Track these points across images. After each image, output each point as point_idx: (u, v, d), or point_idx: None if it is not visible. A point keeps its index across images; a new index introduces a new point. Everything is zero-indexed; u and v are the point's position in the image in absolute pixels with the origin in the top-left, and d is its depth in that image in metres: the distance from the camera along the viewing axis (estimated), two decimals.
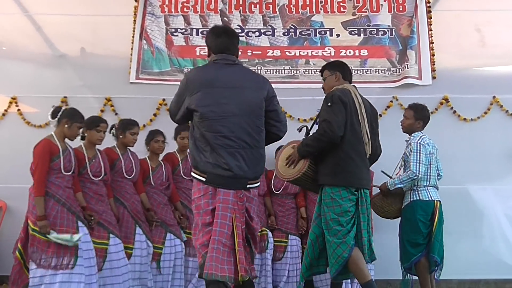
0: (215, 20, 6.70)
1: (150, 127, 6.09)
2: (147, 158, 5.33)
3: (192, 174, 3.58)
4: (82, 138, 4.76)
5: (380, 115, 6.28)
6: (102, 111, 6.32)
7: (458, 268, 4.81)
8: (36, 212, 4.24)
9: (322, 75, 4.38)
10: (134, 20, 6.69)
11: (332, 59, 6.38)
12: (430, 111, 6.08)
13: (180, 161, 5.47)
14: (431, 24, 6.54)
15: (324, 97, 4.08)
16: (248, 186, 3.52)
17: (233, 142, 3.47)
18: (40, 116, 6.33)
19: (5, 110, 6.44)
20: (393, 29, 6.57)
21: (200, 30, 6.70)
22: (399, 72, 6.43)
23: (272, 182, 5.82)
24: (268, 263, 5.50)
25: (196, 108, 3.51)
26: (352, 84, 4.27)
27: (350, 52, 6.56)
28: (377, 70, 6.48)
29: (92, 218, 4.61)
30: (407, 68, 6.39)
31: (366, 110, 4.05)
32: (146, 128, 6.03)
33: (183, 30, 6.72)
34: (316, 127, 4.14)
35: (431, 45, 6.48)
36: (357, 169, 3.92)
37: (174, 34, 6.71)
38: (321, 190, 4.02)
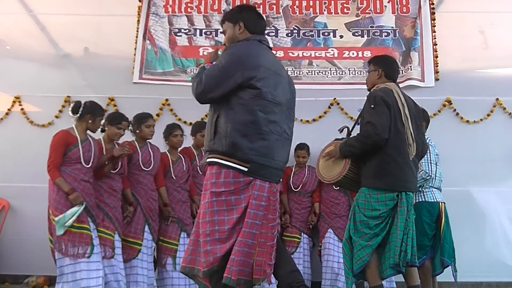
0: (218, 20, 6.72)
1: (173, 123, 6.19)
2: (167, 152, 5.43)
3: (224, 162, 3.15)
4: (102, 131, 4.88)
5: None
6: (105, 110, 6.39)
7: (460, 270, 4.83)
8: (61, 194, 4.40)
9: (368, 67, 4.34)
10: (138, 20, 6.78)
11: (335, 61, 6.57)
12: (433, 112, 6.26)
13: (196, 156, 5.55)
14: (434, 26, 6.61)
15: (366, 97, 4.05)
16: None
17: (281, 131, 3.28)
18: (44, 115, 6.48)
19: (9, 110, 6.56)
20: (397, 31, 6.64)
21: (203, 31, 6.78)
22: (402, 73, 6.42)
23: (291, 179, 5.94)
24: None
25: (257, 83, 3.18)
26: (395, 82, 4.19)
27: (353, 54, 6.63)
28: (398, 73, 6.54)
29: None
30: (410, 69, 6.47)
31: (410, 109, 3.98)
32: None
33: (187, 31, 6.81)
34: (357, 127, 4.14)
35: (434, 46, 6.56)
36: (401, 172, 3.85)
37: (178, 34, 6.80)
38: (359, 190, 3.99)
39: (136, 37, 6.77)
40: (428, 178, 4.75)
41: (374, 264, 3.86)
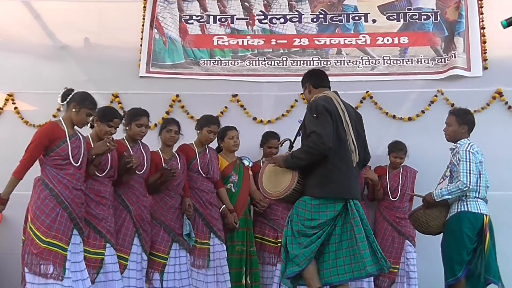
0: (234, 5, 6.68)
1: (170, 118, 6.09)
2: (159, 150, 5.29)
3: None
4: (91, 126, 4.72)
5: (423, 112, 6.24)
6: (96, 105, 6.29)
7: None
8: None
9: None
10: (144, 7, 6.73)
11: (368, 49, 6.43)
12: (481, 106, 6.18)
13: (197, 154, 5.41)
14: (482, 7, 6.46)
15: (306, 108, 4.27)
16: None
17: None
18: (40, 114, 6.37)
19: (1, 108, 6.50)
20: (438, 13, 6.50)
21: (218, 17, 6.69)
22: (444, 62, 6.34)
23: None
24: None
25: None
26: (333, 90, 4.45)
27: (388, 40, 6.51)
28: (419, 60, 6.40)
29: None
30: (454, 57, 6.30)
31: (350, 116, 4.23)
32: (157, 127, 6.00)
33: (199, 17, 6.71)
34: (299, 139, 4.40)
35: (482, 31, 6.40)
36: (346, 179, 4.11)
37: (189, 21, 6.71)
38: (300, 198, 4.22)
39: (143, 25, 6.72)
40: (465, 189, 4.68)
41: (312, 272, 4.10)
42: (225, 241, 5.35)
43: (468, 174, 4.67)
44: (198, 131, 5.48)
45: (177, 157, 5.32)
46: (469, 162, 4.70)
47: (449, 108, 6.05)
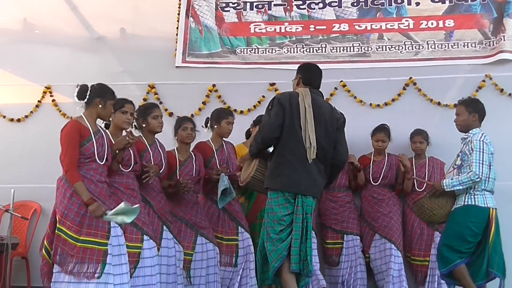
0: None
1: (199, 116, 6.13)
2: (175, 150, 5.28)
3: None
4: (106, 127, 4.69)
5: (470, 97, 6.13)
6: (144, 99, 6.37)
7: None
8: (81, 201, 4.13)
9: None
10: None
11: (411, 33, 6.36)
12: None
13: (215, 152, 5.40)
14: None
15: None
16: None
17: None
18: (78, 106, 6.53)
19: (39, 101, 6.66)
20: None
21: (254, 4, 6.70)
22: (493, 45, 6.23)
23: None
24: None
25: None
26: (314, 89, 4.54)
27: (432, 24, 6.43)
28: (466, 44, 6.30)
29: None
30: (503, 40, 6.19)
31: (320, 114, 4.36)
32: (194, 118, 6.05)
33: (235, 5, 6.74)
34: None
35: None
36: (295, 174, 4.27)
37: (225, 9, 6.74)
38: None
39: (178, 14, 6.78)
40: (477, 180, 4.68)
41: (285, 271, 4.24)
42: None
43: (481, 165, 4.67)
44: (215, 126, 5.44)
45: (193, 158, 5.29)
46: (483, 152, 4.71)
47: (498, 94, 6.00)
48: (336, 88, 6.35)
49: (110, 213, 4.10)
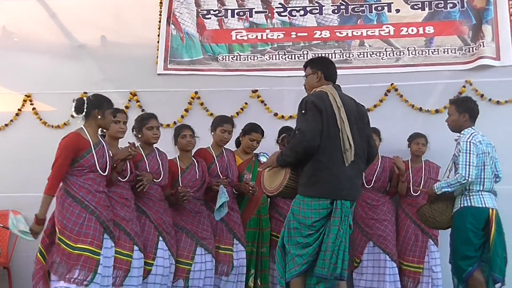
0: None
1: (181, 124, 6.18)
2: (177, 158, 5.31)
3: None
4: (137, 136, 4.82)
5: (461, 97, 6.19)
6: (127, 107, 6.38)
7: None
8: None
9: (304, 72, 4.55)
10: (161, 2, 6.80)
11: (392, 40, 6.42)
12: (511, 98, 6.09)
13: (215, 158, 5.43)
14: None
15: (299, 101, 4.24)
16: None
17: None
18: (58, 115, 6.50)
19: (19, 110, 6.63)
20: (465, 1, 6.44)
21: (236, 11, 6.73)
22: (472, 51, 6.29)
23: None
24: None
25: None
26: (334, 84, 4.41)
27: (412, 30, 6.48)
28: (446, 50, 6.37)
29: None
30: (482, 46, 6.25)
31: (349, 111, 4.19)
32: (177, 125, 6.06)
33: (217, 12, 6.75)
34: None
35: (511, 18, 6.34)
36: (334, 179, 4.08)
37: (207, 16, 6.75)
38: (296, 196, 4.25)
39: (159, 21, 6.79)
40: (464, 182, 4.63)
41: (299, 281, 4.11)
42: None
43: (467, 166, 4.62)
44: (212, 133, 5.50)
45: (195, 164, 5.32)
46: (469, 153, 4.65)
47: (478, 99, 6.03)
48: None
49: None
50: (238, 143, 5.78)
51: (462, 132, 4.83)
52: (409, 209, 5.80)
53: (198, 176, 5.25)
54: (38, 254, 4.43)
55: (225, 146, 5.54)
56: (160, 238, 4.89)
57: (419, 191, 5.64)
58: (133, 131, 5.10)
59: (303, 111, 4.11)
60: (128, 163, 4.74)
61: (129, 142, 4.70)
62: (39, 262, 4.42)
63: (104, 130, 4.74)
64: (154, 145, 5.15)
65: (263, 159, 5.62)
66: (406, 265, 5.74)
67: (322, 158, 4.07)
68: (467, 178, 4.61)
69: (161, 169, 5.04)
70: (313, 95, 4.21)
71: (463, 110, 4.86)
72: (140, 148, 5.03)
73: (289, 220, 4.19)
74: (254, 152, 5.70)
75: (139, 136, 5.06)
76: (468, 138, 4.72)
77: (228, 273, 5.25)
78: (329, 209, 4.07)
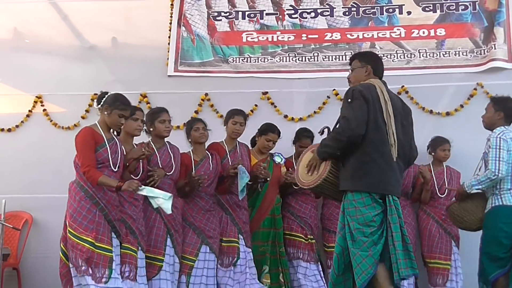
0: (263, 1, 6.73)
1: (193, 118, 6.17)
2: (190, 152, 5.34)
3: None
4: (118, 133, 4.79)
5: (462, 106, 6.20)
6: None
7: None
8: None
9: (350, 64, 4.46)
10: (172, 4, 6.82)
11: (403, 42, 6.41)
12: None
13: (228, 153, 5.46)
14: None
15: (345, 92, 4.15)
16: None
17: None
18: (68, 116, 6.54)
19: (29, 111, 6.66)
20: (477, 3, 6.44)
21: (246, 13, 6.75)
22: (484, 53, 6.29)
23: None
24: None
25: None
26: (382, 80, 4.33)
27: (424, 32, 6.47)
28: (457, 52, 6.36)
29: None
30: (494, 48, 6.24)
31: (395, 107, 4.10)
32: (186, 127, 6.07)
33: (227, 14, 6.78)
34: None
35: None
36: (382, 174, 3.97)
37: (217, 18, 6.78)
38: (344, 198, 4.10)
39: (170, 23, 6.81)
40: (494, 178, 4.57)
41: (383, 275, 3.93)
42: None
43: (497, 162, 4.56)
44: (225, 127, 5.55)
45: (209, 157, 5.34)
46: (499, 149, 4.60)
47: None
48: (328, 97, 6.40)
49: (147, 189, 4.28)
50: (253, 143, 5.81)
51: (493, 130, 4.79)
52: (431, 209, 5.80)
53: (211, 169, 5.28)
54: (60, 252, 4.43)
55: (239, 140, 5.57)
56: (168, 236, 4.92)
57: (447, 192, 5.67)
58: (144, 125, 5.08)
59: (349, 100, 3.98)
60: (141, 162, 4.77)
61: (143, 142, 4.73)
62: (61, 260, 4.43)
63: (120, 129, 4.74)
64: (166, 139, 5.18)
65: (277, 159, 5.64)
66: (434, 263, 5.70)
67: (369, 150, 3.95)
68: (497, 173, 4.55)
69: (173, 162, 5.08)
70: (361, 86, 4.08)
71: (499, 109, 4.83)
72: (152, 142, 5.07)
73: (347, 223, 4.03)
74: (269, 152, 5.72)
75: (151, 129, 5.09)
76: (498, 134, 4.68)
77: (230, 265, 5.25)
78: (381, 204, 3.97)
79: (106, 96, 4.51)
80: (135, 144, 4.97)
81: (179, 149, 5.26)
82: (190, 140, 5.41)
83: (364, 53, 4.69)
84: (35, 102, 6.69)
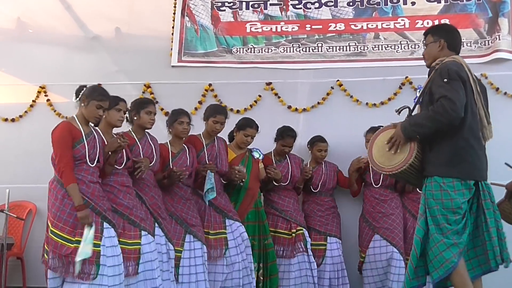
0: None
1: (195, 116, 6.16)
2: (168, 143, 5.26)
3: None
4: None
5: None
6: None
7: None
8: (73, 203, 4.13)
9: (424, 40, 4.25)
10: None
11: (407, 32, 6.41)
12: None
13: (205, 146, 5.40)
14: None
15: (434, 70, 3.94)
16: None
17: None
18: (72, 106, 6.43)
19: (33, 101, 6.69)
20: None
21: (250, 4, 6.76)
22: (488, 44, 6.31)
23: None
24: (313, 266, 5.60)
25: None
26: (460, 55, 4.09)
27: (428, 23, 6.44)
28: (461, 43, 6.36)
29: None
30: (498, 39, 6.25)
31: (480, 88, 3.95)
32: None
33: (231, 4, 6.79)
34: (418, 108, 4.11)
35: None
36: (477, 159, 3.82)
37: (221, 8, 6.80)
38: (425, 181, 3.88)
39: (174, 13, 6.82)
40: None
41: (463, 269, 3.75)
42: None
43: None
44: (205, 122, 5.47)
45: (187, 150, 5.29)
46: None
47: (493, 93, 6.03)
48: (332, 88, 6.42)
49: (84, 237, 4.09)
50: (231, 138, 5.76)
51: None
52: (409, 203, 5.79)
53: (188, 162, 5.22)
54: (45, 253, 4.32)
55: (217, 136, 5.52)
56: (156, 224, 4.83)
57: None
58: (128, 114, 4.99)
59: (445, 80, 3.72)
60: (124, 151, 4.64)
61: (118, 133, 4.65)
62: (45, 262, 4.31)
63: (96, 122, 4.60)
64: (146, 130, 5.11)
65: (256, 154, 5.63)
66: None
67: (466, 135, 3.77)
68: None
69: (154, 153, 5.01)
70: (453, 64, 3.85)
71: None
72: (132, 132, 4.99)
73: (430, 207, 3.79)
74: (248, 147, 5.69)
75: (135, 118, 4.98)
76: None
77: (221, 256, 5.17)
78: (471, 190, 3.79)
79: (84, 88, 4.41)
80: (114, 134, 4.80)
81: (157, 140, 5.18)
82: (170, 130, 5.30)
83: (437, 27, 4.49)
84: (39, 92, 6.71)
